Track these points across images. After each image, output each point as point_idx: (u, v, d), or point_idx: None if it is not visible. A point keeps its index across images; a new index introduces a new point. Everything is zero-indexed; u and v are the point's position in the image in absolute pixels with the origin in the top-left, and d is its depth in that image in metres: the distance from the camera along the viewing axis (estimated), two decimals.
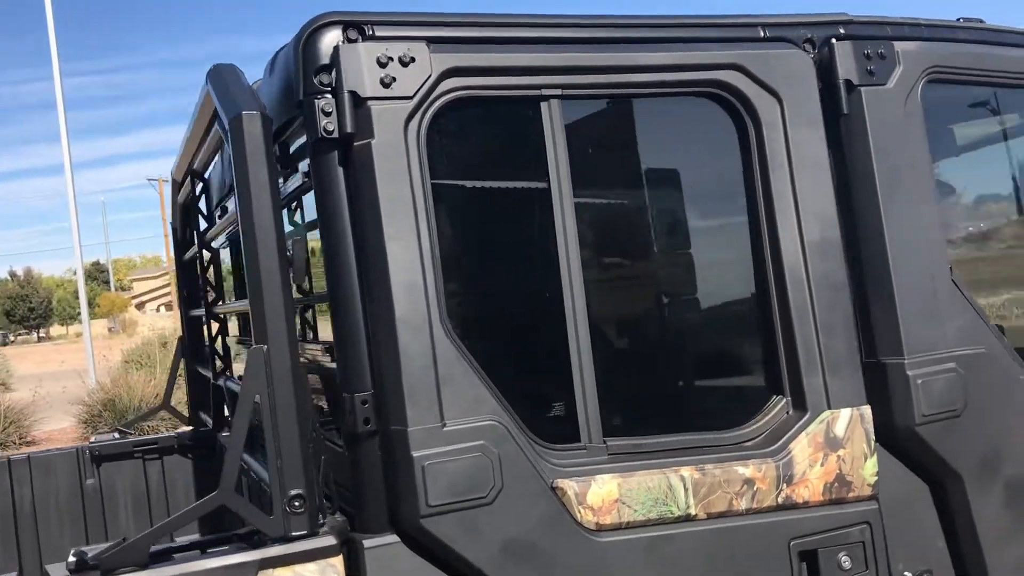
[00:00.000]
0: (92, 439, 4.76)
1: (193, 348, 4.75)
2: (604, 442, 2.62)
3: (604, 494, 2.55)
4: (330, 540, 2.39)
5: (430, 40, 2.52)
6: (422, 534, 2.40)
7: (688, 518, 2.63)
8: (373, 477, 2.46)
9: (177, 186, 4.43)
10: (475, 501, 2.41)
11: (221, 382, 3.72)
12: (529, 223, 2.74)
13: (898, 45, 3.03)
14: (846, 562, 2.78)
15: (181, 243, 4.72)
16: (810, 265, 2.81)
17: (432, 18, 2.58)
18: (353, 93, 2.43)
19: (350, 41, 2.46)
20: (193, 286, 4.71)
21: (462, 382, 2.45)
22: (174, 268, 4.87)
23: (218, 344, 4.23)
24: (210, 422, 4.68)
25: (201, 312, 4.19)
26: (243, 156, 2.36)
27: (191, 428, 4.82)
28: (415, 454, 2.37)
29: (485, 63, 2.56)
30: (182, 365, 4.82)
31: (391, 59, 2.46)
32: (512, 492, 2.45)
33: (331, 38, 2.49)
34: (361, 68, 2.44)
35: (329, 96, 2.45)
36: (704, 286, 2.98)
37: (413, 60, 2.47)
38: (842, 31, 3.00)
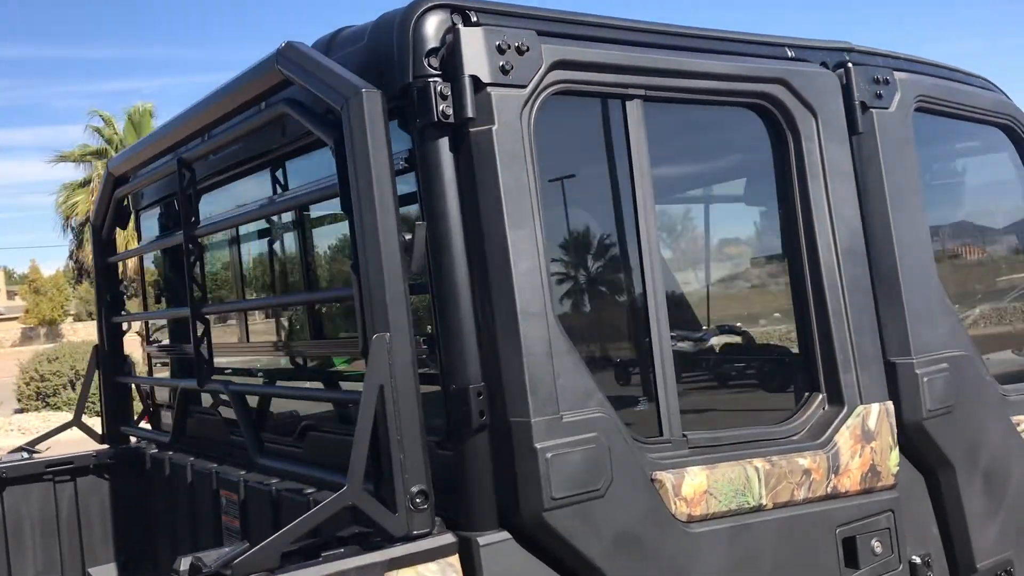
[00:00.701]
0: None
1: (113, 358, 4.34)
2: (684, 435, 2.68)
3: (696, 486, 2.60)
4: (449, 538, 2.29)
5: (538, 32, 2.51)
6: (542, 529, 2.35)
7: (760, 508, 2.73)
8: (484, 472, 2.38)
9: (116, 181, 4.08)
10: (591, 494, 2.39)
11: (206, 387, 3.42)
12: (613, 221, 2.77)
13: (896, 73, 3.33)
14: (877, 547, 2.98)
15: (106, 244, 4.33)
16: (843, 270, 3.01)
17: (531, 11, 2.58)
18: (474, 78, 2.38)
19: (466, 25, 2.41)
20: (116, 291, 4.34)
21: (573, 374, 2.43)
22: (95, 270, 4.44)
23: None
24: (133, 438, 4.31)
25: (184, 313, 3.84)
26: (364, 136, 2.25)
27: (106, 446, 4.39)
28: (538, 445, 2.32)
29: (584, 58, 2.58)
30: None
31: (509, 47, 2.43)
32: (620, 485, 2.45)
33: (440, 21, 2.43)
34: (482, 53, 2.39)
35: (441, 80, 2.38)
36: (754, 288, 3.12)
37: (528, 49, 2.46)
38: (848, 57, 3.26)
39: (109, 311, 4.32)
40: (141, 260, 4.62)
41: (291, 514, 2.96)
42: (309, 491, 2.93)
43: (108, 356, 4.33)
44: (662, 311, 2.68)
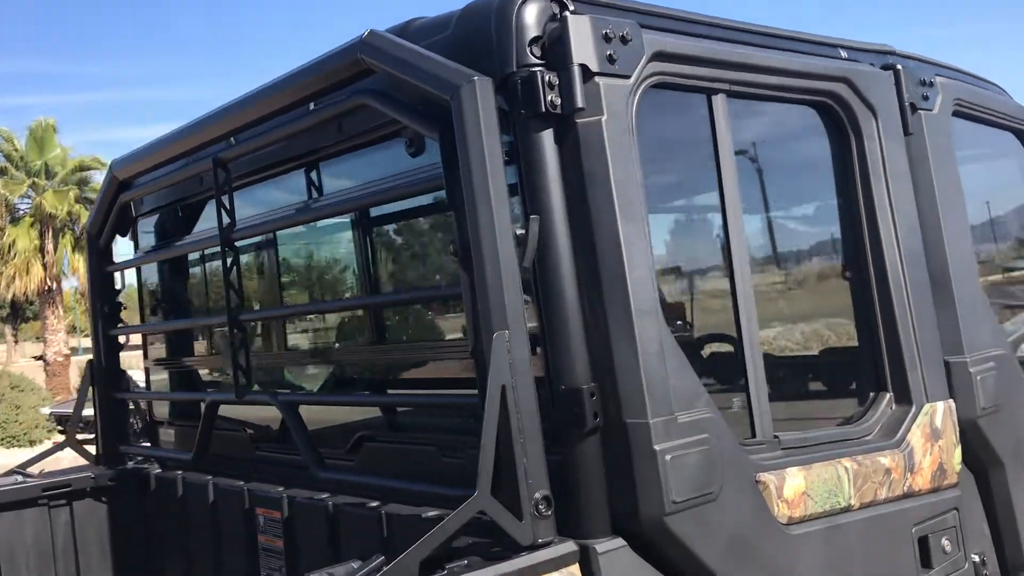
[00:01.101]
0: None
1: (111, 373, 4.08)
2: (776, 437, 2.63)
3: (796, 487, 2.55)
4: (571, 547, 2.19)
5: (638, 22, 2.45)
6: (662, 534, 2.26)
7: (848, 508, 2.69)
8: (596, 476, 2.28)
9: (121, 185, 3.85)
10: (706, 497, 2.31)
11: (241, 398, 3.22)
12: (703, 218, 2.71)
13: (936, 77, 3.37)
14: (947, 546, 2.97)
15: (104, 251, 4.08)
16: (906, 269, 3.01)
17: (625, 2, 2.52)
18: (583, 67, 2.29)
19: (573, 13, 2.33)
20: (113, 302, 4.09)
21: (682, 374, 2.36)
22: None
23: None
24: (134, 458, 4.07)
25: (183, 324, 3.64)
26: (478, 126, 2.15)
27: (102, 466, 4.13)
28: (657, 447, 2.24)
29: (679, 50, 2.53)
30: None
31: (614, 36, 2.35)
32: (731, 487, 2.38)
33: (541, 9, 2.35)
34: (590, 42, 2.31)
35: (546, 69, 2.29)
36: (824, 286, 3.10)
37: (631, 39, 2.39)
38: (893, 60, 3.29)
39: (107, 324, 4.07)
40: (139, 270, 4.37)
41: (354, 529, 2.81)
42: (372, 504, 2.79)
43: (105, 372, 4.08)
44: (751, 310, 2.63)
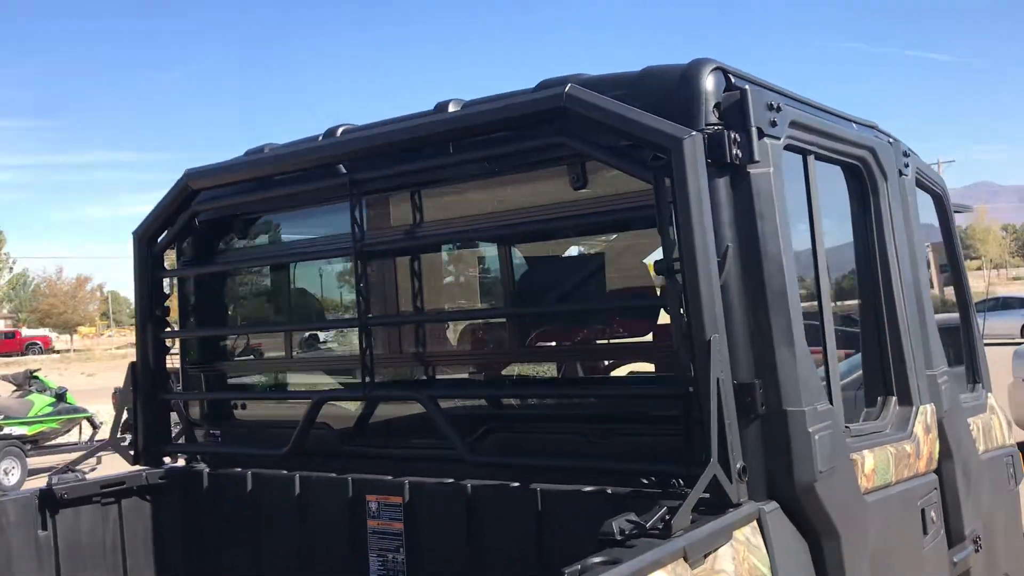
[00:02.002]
0: (52, 479, 3.90)
1: (156, 375, 4.21)
2: (847, 427, 3.34)
3: (870, 465, 3.27)
4: (754, 506, 2.78)
5: (777, 95, 3.10)
6: (809, 497, 2.89)
7: (889, 484, 3.45)
8: (756, 453, 2.88)
9: (192, 194, 4.03)
10: (832, 469, 2.98)
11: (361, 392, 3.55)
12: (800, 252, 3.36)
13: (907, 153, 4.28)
14: (934, 517, 3.81)
15: (157, 257, 4.22)
16: (905, 299, 3.84)
17: (761, 80, 3.16)
18: (759, 129, 2.92)
19: (752, 85, 2.95)
20: (163, 307, 4.24)
21: (815, 372, 3.02)
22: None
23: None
24: (181, 459, 4.22)
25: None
26: (696, 174, 2.72)
27: (142, 466, 4.23)
28: (810, 429, 2.88)
29: (800, 120, 3.20)
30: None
31: (773, 106, 2.99)
32: (841, 463, 3.06)
33: (718, 80, 2.96)
34: (762, 108, 2.95)
35: (726, 128, 2.90)
36: (849, 311, 3.87)
37: (780, 109, 3.04)
38: (881, 135, 4.15)
39: (156, 327, 4.20)
40: (192, 278, 4.52)
41: (502, 508, 3.25)
42: (517, 485, 3.24)
43: (151, 374, 4.20)
44: (831, 327, 3.33)
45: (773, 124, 2.99)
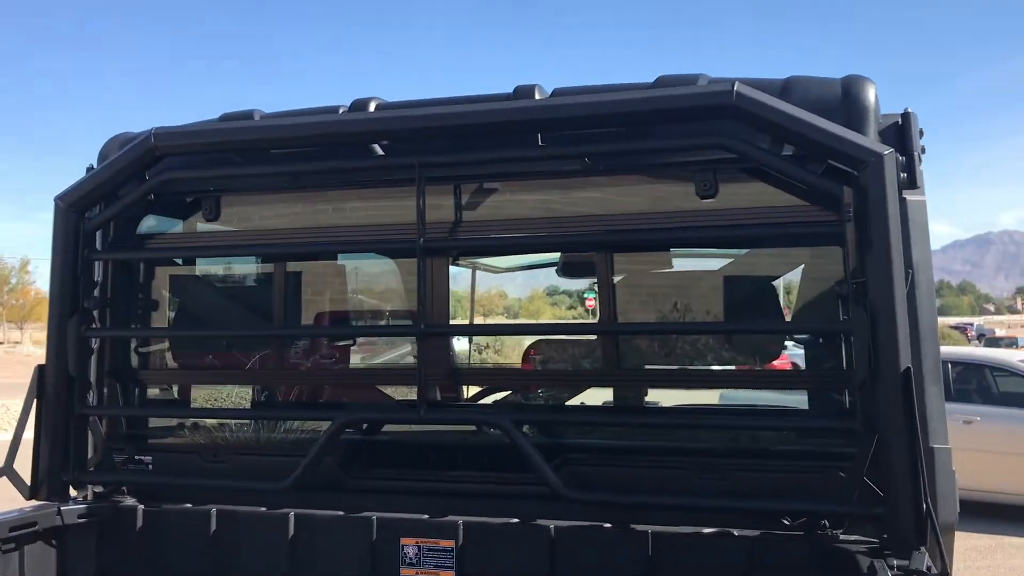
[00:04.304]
0: None
1: (78, 384, 3.28)
2: None
3: None
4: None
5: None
6: (948, 538, 2.77)
7: None
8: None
9: (157, 158, 3.21)
10: None
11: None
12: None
13: None
14: None
15: (89, 234, 3.31)
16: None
17: None
18: (919, 154, 2.80)
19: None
20: (92, 298, 3.34)
21: None
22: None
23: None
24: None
25: None
26: (894, 187, 2.55)
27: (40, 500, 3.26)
28: (953, 468, 2.78)
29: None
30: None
31: (921, 133, 2.89)
32: None
33: (876, 96, 2.81)
34: (918, 134, 2.83)
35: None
36: None
37: (923, 134, 2.94)
38: None
39: (80, 322, 3.27)
40: (142, 265, 3.58)
41: (589, 553, 2.84)
42: (607, 526, 2.85)
43: (65, 381, 3.26)
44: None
45: (923, 151, 2.89)
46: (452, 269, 4.54)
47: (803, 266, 3.25)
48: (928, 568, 2.27)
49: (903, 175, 2.75)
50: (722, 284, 3.17)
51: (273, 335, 3.69)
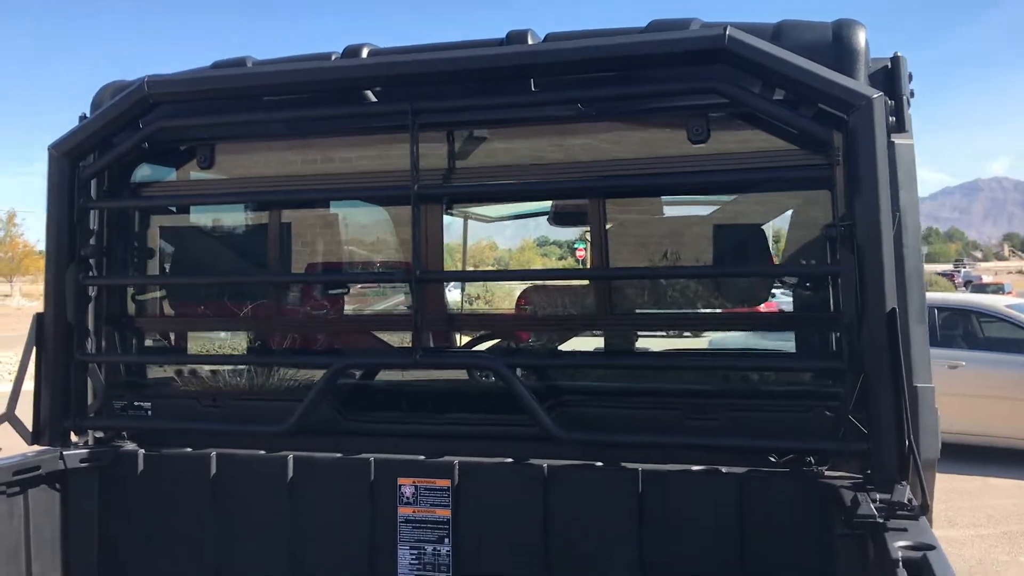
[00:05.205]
0: None
1: (77, 331, 3.32)
2: None
3: None
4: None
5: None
6: (929, 475, 2.85)
7: None
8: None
9: (151, 107, 3.22)
10: None
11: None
12: None
13: None
14: None
15: (84, 181, 3.32)
16: None
17: None
18: (909, 97, 2.83)
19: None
20: (89, 246, 3.36)
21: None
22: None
23: None
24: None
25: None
26: (883, 130, 2.58)
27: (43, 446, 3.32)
28: (936, 406, 2.85)
29: None
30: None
31: (912, 76, 2.91)
32: None
33: (867, 41, 2.83)
34: (907, 77, 2.85)
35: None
36: None
37: (912, 78, 2.96)
38: None
39: (78, 269, 3.30)
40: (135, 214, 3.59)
41: (581, 492, 2.91)
42: (599, 465, 2.93)
43: (64, 328, 3.30)
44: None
45: (912, 94, 2.91)
46: (445, 219, 4.57)
47: (791, 212, 3.30)
48: (909, 500, 2.34)
49: (891, 119, 2.78)
50: (712, 231, 3.21)
51: (267, 282, 3.72)
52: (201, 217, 3.86)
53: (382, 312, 5.55)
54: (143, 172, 3.65)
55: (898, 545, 2.03)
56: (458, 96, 2.99)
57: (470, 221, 6.86)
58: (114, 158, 3.31)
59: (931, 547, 2.01)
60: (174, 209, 3.74)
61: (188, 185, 3.60)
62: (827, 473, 2.78)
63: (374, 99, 3.13)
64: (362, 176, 3.33)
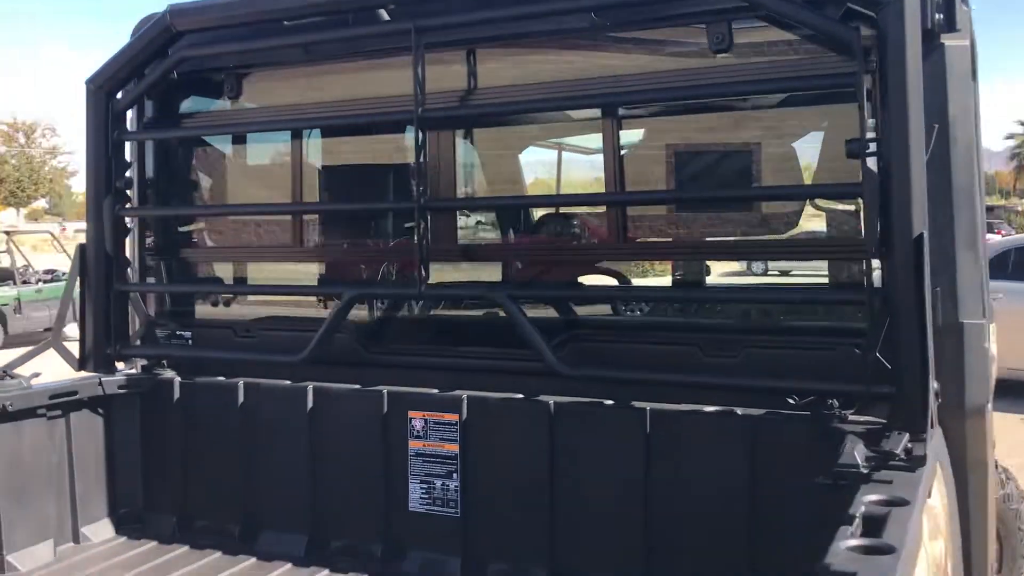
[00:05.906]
0: None
1: (114, 260, 3.39)
2: None
3: None
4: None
5: None
6: (977, 422, 2.54)
7: None
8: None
9: (175, 37, 3.20)
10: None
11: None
12: None
13: None
14: None
15: (117, 115, 3.37)
16: None
17: None
18: None
19: None
20: (124, 179, 3.42)
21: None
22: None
23: None
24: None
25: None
26: (915, 32, 2.25)
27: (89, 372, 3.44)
28: (986, 345, 2.52)
29: None
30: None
31: None
32: None
33: None
34: None
35: None
36: None
37: None
38: None
39: (115, 201, 3.37)
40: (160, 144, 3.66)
41: (587, 429, 2.75)
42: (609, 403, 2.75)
43: (105, 260, 3.38)
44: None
45: None
46: (536, 151, 4.40)
47: (822, 134, 2.97)
48: (907, 450, 2.05)
49: (939, 16, 2.42)
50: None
51: (283, 211, 3.69)
52: (236, 148, 3.87)
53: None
54: (187, 104, 3.68)
55: (866, 499, 1.77)
56: (465, 11, 2.82)
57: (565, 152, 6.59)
58: (143, 90, 3.34)
59: (905, 502, 1.74)
60: (208, 140, 3.76)
61: (206, 116, 3.60)
62: (851, 418, 2.50)
63: (387, 18, 3.00)
64: (365, 101, 3.22)
